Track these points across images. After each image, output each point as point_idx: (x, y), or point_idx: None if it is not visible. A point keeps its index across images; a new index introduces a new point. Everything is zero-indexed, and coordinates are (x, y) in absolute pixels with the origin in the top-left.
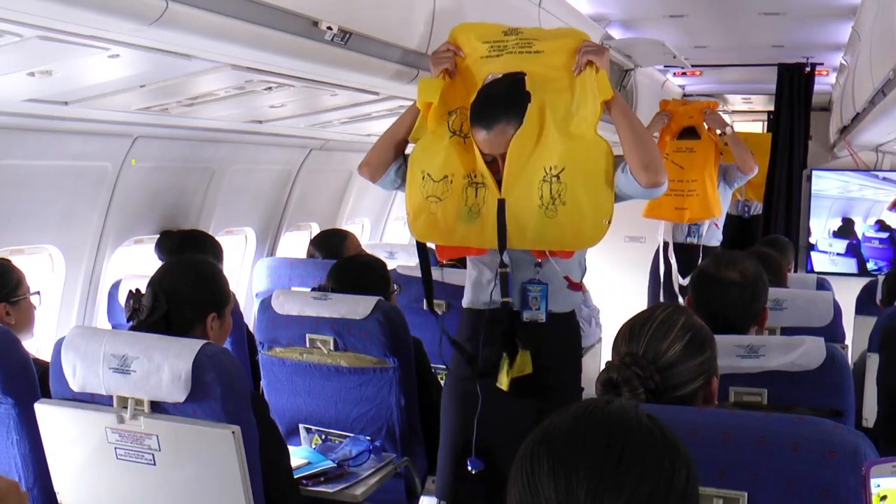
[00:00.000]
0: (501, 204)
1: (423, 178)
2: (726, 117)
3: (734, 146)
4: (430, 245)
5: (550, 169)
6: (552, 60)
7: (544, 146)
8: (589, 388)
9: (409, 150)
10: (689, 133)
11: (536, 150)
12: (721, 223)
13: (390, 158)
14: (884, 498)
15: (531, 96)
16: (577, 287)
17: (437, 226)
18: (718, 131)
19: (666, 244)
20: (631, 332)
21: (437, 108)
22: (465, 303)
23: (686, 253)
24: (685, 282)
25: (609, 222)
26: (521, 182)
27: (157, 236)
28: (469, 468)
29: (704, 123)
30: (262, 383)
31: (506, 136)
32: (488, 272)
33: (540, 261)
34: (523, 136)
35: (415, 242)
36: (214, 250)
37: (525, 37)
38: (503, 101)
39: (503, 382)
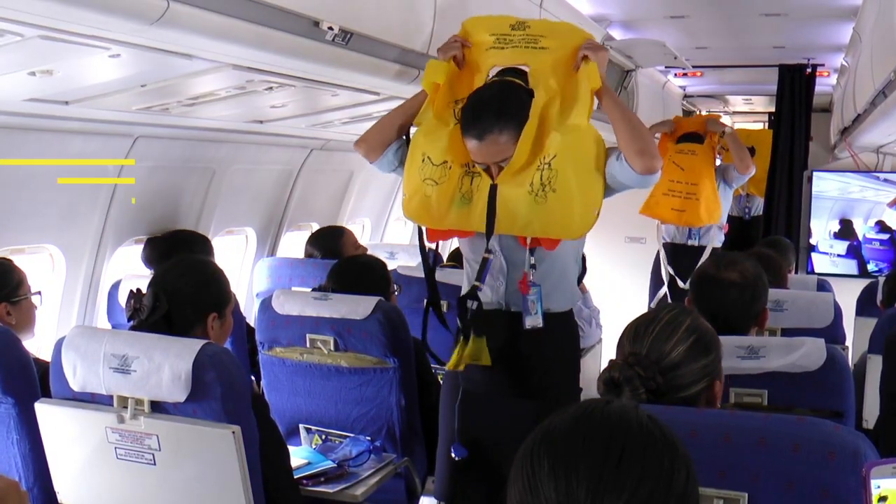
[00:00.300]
0: (493, 189)
1: (423, 160)
2: (727, 119)
3: (733, 145)
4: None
5: (544, 157)
6: (555, 57)
7: (544, 140)
8: (588, 388)
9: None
10: (691, 137)
11: (537, 144)
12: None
13: (391, 139)
14: (884, 499)
15: (534, 92)
16: (527, 288)
17: (429, 209)
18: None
19: (664, 245)
20: (636, 331)
21: (443, 94)
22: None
23: (687, 255)
24: (684, 285)
25: (598, 213)
26: (518, 174)
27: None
28: (453, 455)
29: (707, 128)
30: (263, 383)
31: (498, 146)
32: None
33: (534, 261)
34: (527, 132)
35: (418, 245)
36: (205, 249)
37: (532, 33)
38: (495, 106)
39: (451, 363)
